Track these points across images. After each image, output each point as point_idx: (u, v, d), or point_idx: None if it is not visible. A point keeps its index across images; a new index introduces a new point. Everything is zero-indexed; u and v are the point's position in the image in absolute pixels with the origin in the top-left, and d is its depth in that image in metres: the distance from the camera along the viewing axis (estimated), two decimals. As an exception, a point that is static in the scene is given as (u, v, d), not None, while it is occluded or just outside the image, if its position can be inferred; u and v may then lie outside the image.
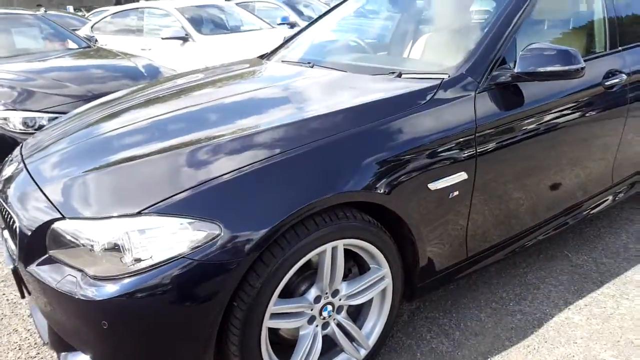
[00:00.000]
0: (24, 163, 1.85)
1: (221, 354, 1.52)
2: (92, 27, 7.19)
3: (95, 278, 1.39)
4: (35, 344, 2.13)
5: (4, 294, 2.50)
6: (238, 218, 1.41)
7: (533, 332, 2.05)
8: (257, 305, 1.46)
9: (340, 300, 1.71)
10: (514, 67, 1.92)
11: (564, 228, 2.45)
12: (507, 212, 2.10)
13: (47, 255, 1.52)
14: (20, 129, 3.36)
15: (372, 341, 1.82)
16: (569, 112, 2.18)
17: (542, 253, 2.61)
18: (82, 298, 1.37)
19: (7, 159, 2.14)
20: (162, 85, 2.51)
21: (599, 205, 2.62)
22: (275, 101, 2.00)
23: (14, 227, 1.60)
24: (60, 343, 1.64)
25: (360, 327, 1.81)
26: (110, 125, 1.96)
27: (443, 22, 2.48)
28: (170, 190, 1.42)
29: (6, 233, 1.82)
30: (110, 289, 1.36)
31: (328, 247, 1.57)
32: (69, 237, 1.45)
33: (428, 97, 1.82)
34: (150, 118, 1.94)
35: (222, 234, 1.37)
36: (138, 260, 1.37)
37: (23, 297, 1.75)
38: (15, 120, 3.35)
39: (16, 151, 2.15)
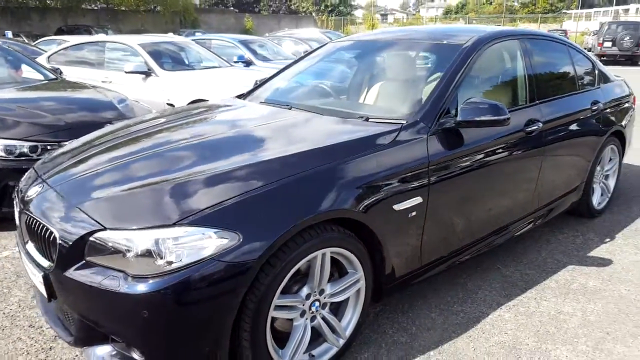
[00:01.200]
0: (47, 184, 2.13)
1: (234, 339, 1.86)
2: (48, 58, 7.28)
3: (135, 277, 1.71)
4: (42, 348, 2.35)
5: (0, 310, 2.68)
6: (253, 229, 1.79)
7: (473, 326, 2.53)
8: (265, 299, 1.84)
9: (325, 298, 2.12)
10: (456, 116, 2.46)
11: (494, 245, 3.00)
12: (451, 230, 2.61)
13: (83, 261, 1.82)
14: (1, 156, 3.53)
15: (348, 332, 2.22)
16: (499, 151, 2.75)
17: (478, 266, 3.14)
18: (126, 293, 1.69)
19: (24, 180, 2.39)
20: (164, 119, 2.86)
21: (524, 227, 3.20)
22: (270, 137, 2.41)
23: (51, 239, 1.88)
24: (86, 338, 1.92)
25: (339, 321, 2.21)
26: (127, 151, 2.30)
27: (400, 77, 3.01)
28: (199, 205, 1.79)
29: (30, 246, 2.08)
30: (149, 286, 1.69)
31: (319, 253, 1.99)
32: (109, 245, 1.76)
33: (392, 138, 2.31)
34: (163, 146, 2.29)
35: (241, 241, 1.75)
36: (170, 262, 1.71)
37: (50, 300, 1.99)
38: (-3, 148, 3.52)
39: (30, 173, 2.40)
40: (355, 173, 2.10)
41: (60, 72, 5.69)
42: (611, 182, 4.15)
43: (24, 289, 2.89)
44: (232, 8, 41.61)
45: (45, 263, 1.95)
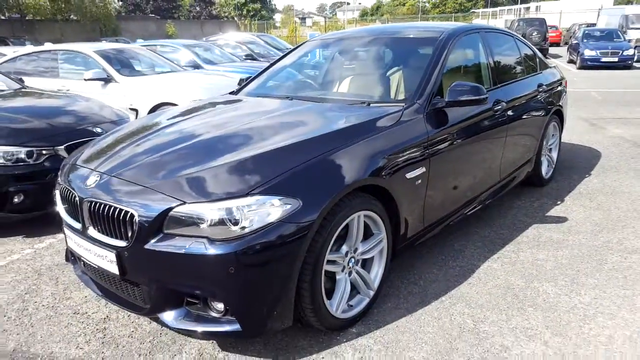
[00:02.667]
0: (105, 173, 2.32)
1: (297, 289, 2.16)
2: (-5, 68, 7.02)
3: (217, 241, 1.98)
4: (97, 329, 2.51)
5: (35, 302, 2.78)
6: (310, 195, 2.11)
7: (470, 275, 2.98)
8: (320, 254, 2.16)
9: (358, 255, 2.47)
10: (444, 97, 2.91)
11: (475, 209, 3.49)
12: (445, 196, 3.05)
13: (162, 234, 2.05)
14: (1, 163, 3.56)
15: (376, 284, 2.59)
16: (475, 126, 3.23)
17: (459, 231, 3.61)
18: (213, 254, 1.95)
19: (62, 176, 2.54)
20: (191, 113, 3.11)
21: (496, 193, 3.72)
22: (297, 121, 2.73)
23: (127, 219, 2.08)
24: (161, 305, 2.15)
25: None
26: (174, 138, 2.57)
27: (388, 67, 3.42)
28: (264, 177, 2.08)
29: (93, 231, 2.26)
30: (231, 247, 1.96)
31: (356, 215, 2.34)
32: (189, 217, 2.01)
33: (398, 117, 2.71)
34: (207, 134, 2.58)
35: (301, 206, 2.07)
36: (244, 227, 1.99)
37: (123, 275, 2.19)
38: (-6, 154, 3.55)
39: (70, 168, 2.56)
40: (378, 147, 2.48)
41: (22, 82, 5.60)
42: (554, 155, 4.82)
43: (51, 283, 3.00)
44: (151, 15, 40.64)
45: (117, 242, 2.14)
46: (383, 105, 2.91)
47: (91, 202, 2.24)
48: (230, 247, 1.96)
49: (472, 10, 60.29)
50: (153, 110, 6.03)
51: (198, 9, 47.57)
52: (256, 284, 2.04)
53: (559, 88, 4.79)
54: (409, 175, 2.63)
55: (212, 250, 1.96)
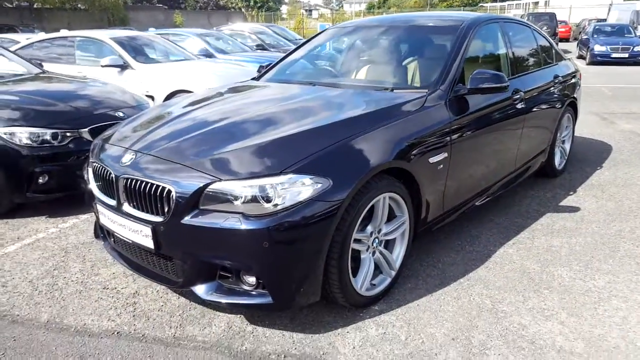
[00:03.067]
0: (140, 152, 2.40)
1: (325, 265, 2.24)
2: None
3: (252, 217, 2.05)
4: (127, 303, 2.60)
5: (65, 277, 2.88)
6: (340, 175, 2.19)
7: (487, 260, 3.06)
8: (348, 232, 2.24)
9: (381, 236, 2.54)
10: (466, 85, 2.97)
11: (492, 196, 3.55)
12: (464, 182, 3.11)
13: (197, 210, 2.13)
14: (26, 143, 3.65)
15: (397, 265, 2.66)
16: (494, 115, 3.29)
17: (474, 219, 3.68)
18: (248, 229, 2.03)
19: (94, 155, 2.63)
20: (222, 95, 3.20)
21: (512, 182, 3.78)
22: (324, 105, 2.81)
23: (164, 195, 2.16)
24: (195, 277, 2.23)
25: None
26: (206, 119, 2.66)
27: (410, 55, 3.48)
28: (297, 157, 2.16)
29: (128, 207, 2.34)
30: (264, 223, 2.04)
31: (381, 197, 2.41)
32: (224, 193, 2.09)
33: (422, 103, 2.78)
34: (238, 115, 2.66)
35: (331, 186, 2.14)
36: (277, 205, 2.07)
37: (158, 249, 2.27)
38: (22, 136, 3.63)
39: (102, 147, 2.65)
40: (404, 132, 2.55)
41: (42, 66, 5.68)
42: (567, 146, 4.87)
43: (79, 261, 3.09)
44: (159, 5, 40.64)
45: (153, 218, 2.22)
46: (406, 91, 2.97)
47: (127, 178, 2.32)
48: (263, 223, 2.04)
49: (481, 4, 59.84)
50: (168, 97, 6.11)
51: (205, -1, 47.60)
52: (288, 259, 2.11)
53: (574, 80, 4.82)
54: (432, 160, 2.70)
55: (246, 226, 2.03)
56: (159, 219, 2.21)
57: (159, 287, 2.76)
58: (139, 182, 2.27)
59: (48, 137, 3.73)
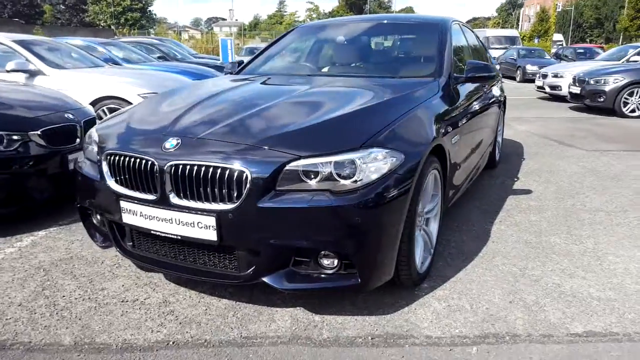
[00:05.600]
0: (178, 135, 2.17)
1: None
2: None
3: (338, 193, 1.97)
4: (162, 312, 2.30)
5: (63, 297, 2.45)
6: (410, 148, 2.21)
7: (489, 236, 3.28)
8: (415, 208, 2.26)
9: (425, 214, 2.60)
10: (461, 74, 3.19)
11: (472, 181, 3.81)
12: (463, 162, 3.30)
13: (274, 191, 1.99)
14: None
15: (434, 244, 2.74)
16: (477, 102, 3.57)
17: (461, 206, 3.91)
18: (336, 206, 1.94)
19: (117, 140, 2.31)
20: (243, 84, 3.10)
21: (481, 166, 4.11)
22: (361, 89, 2.81)
23: (235, 179, 1.97)
24: (266, 267, 2.07)
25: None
26: (250, 100, 2.55)
27: (405, 47, 3.63)
28: (370, 132, 2.13)
29: (179, 200, 2.08)
30: (352, 199, 1.97)
31: (430, 173, 2.47)
32: (305, 170, 1.97)
33: (438, 87, 2.92)
34: (283, 97, 2.60)
35: (404, 159, 2.15)
36: (359, 180, 2.01)
37: (221, 242, 2.05)
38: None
39: (120, 133, 2.36)
40: (439, 111, 2.67)
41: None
42: (500, 140, 5.42)
43: (69, 278, 2.66)
44: (15, 19, 36.55)
45: (219, 206, 2.01)
46: (413, 79, 3.09)
47: (177, 166, 2.07)
48: (353, 199, 1.97)
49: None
50: (93, 104, 5.53)
51: (67, 15, 43.69)
52: (375, 236, 2.05)
53: (502, 82, 5.41)
54: (453, 140, 2.84)
55: (335, 203, 1.94)
56: (227, 206, 2.00)
57: (188, 292, 2.49)
58: (195, 168, 2.04)
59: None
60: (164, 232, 2.16)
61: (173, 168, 2.07)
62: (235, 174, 1.99)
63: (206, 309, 2.33)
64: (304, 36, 4.04)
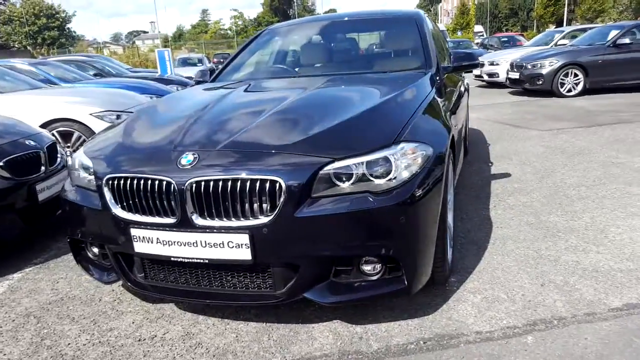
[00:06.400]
0: (191, 149, 1.98)
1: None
2: None
3: (379, 194, 1.86)
4: (190, 346, 2.09)
5: (68, 344, 2.18)
6: (435, 141, 2.14)
7: (491, 222, 3.29)
8: (445, 202, 2.19)
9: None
10: (447, 64, 3.18)
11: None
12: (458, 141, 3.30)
13: (310, 199, 1.84)
14: None
15: (452, 233, 2.68)
16: (457, 87, 3.59)
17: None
18: (380, 207, 1.83)
19: (117, 163, 2.07)
20: (236, 89, 2.89)
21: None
22: (363, 86, 2.74)
23: (267, 191, 1.82)
24: (305, 283, 1.93)
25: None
26: (256, 105, 2.40)
27: (390, 42, 3.56)
28: (397, 127, 2.04)
29: (202, 220, 1.89)
30: (394, 198, 1.86)
31: (451, 160, 2.42)
32: (340, 173, 1.85)
33: (436, 79, 2.88)
34: (290, 100, 2.43)
35: (433, 151, 2.07)
36: (395, 178, 1.91)
37: (255, 260, 1.88)
38: None
39: (117, 154, 2.13)
40: (445, 102, 2.62)
41: None
42: (467, 126, 5.52)
43: (67, 322, 2.37)
44: None
45: (252, 222, 1.84)
46: (404, 72, 3.04)
47: (199, 183, 1.87)
48: (394, 198, 1.87)
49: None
50: (43, 126, 5.07)
51: (-25, 37, 40.67)
52: (418, 235, 1.96)
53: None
54: (456, 128, 2.82)
55: (378, 204, 1.83)
56: (260, 220, 1.84)
57: (209, 319, 2.28)
58: (221, 183, 1.86)
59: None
60: (187, 258, 1.96)
61: (194, 186, 1.88)
62: (267, 184, 1.83)
63: (236, 336, 2.14)
64: (277, 38, 3.89)
